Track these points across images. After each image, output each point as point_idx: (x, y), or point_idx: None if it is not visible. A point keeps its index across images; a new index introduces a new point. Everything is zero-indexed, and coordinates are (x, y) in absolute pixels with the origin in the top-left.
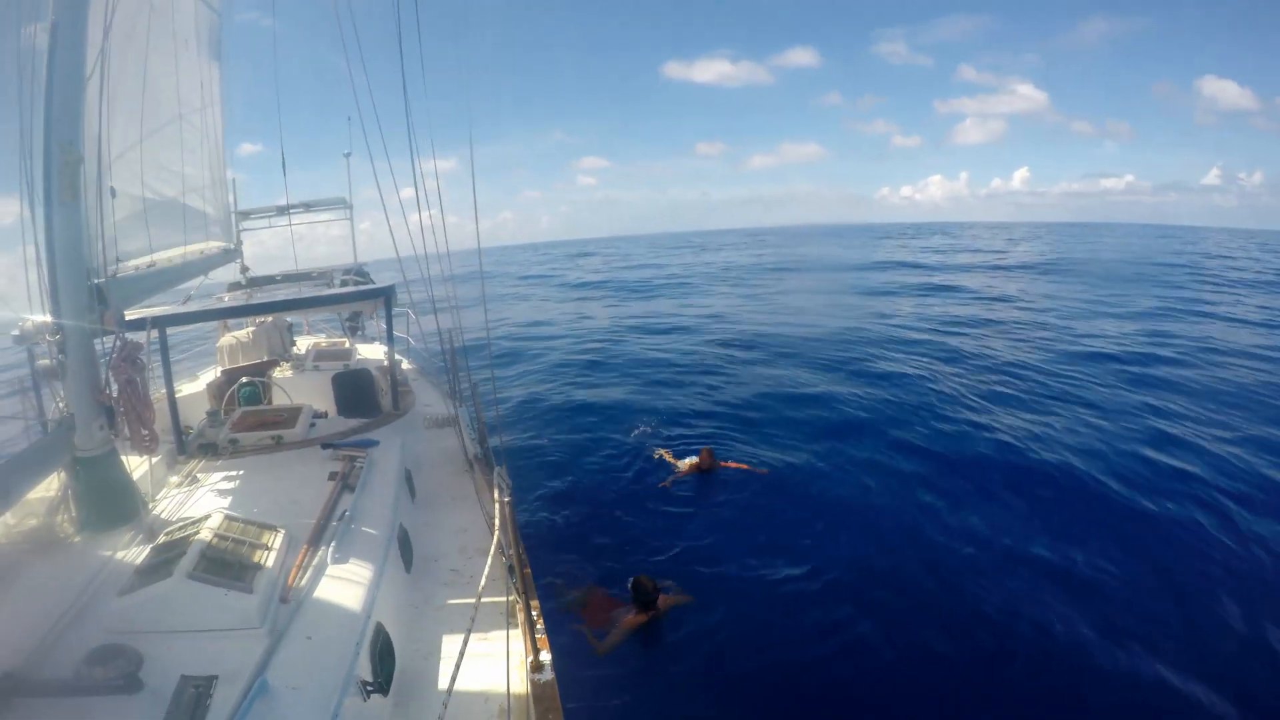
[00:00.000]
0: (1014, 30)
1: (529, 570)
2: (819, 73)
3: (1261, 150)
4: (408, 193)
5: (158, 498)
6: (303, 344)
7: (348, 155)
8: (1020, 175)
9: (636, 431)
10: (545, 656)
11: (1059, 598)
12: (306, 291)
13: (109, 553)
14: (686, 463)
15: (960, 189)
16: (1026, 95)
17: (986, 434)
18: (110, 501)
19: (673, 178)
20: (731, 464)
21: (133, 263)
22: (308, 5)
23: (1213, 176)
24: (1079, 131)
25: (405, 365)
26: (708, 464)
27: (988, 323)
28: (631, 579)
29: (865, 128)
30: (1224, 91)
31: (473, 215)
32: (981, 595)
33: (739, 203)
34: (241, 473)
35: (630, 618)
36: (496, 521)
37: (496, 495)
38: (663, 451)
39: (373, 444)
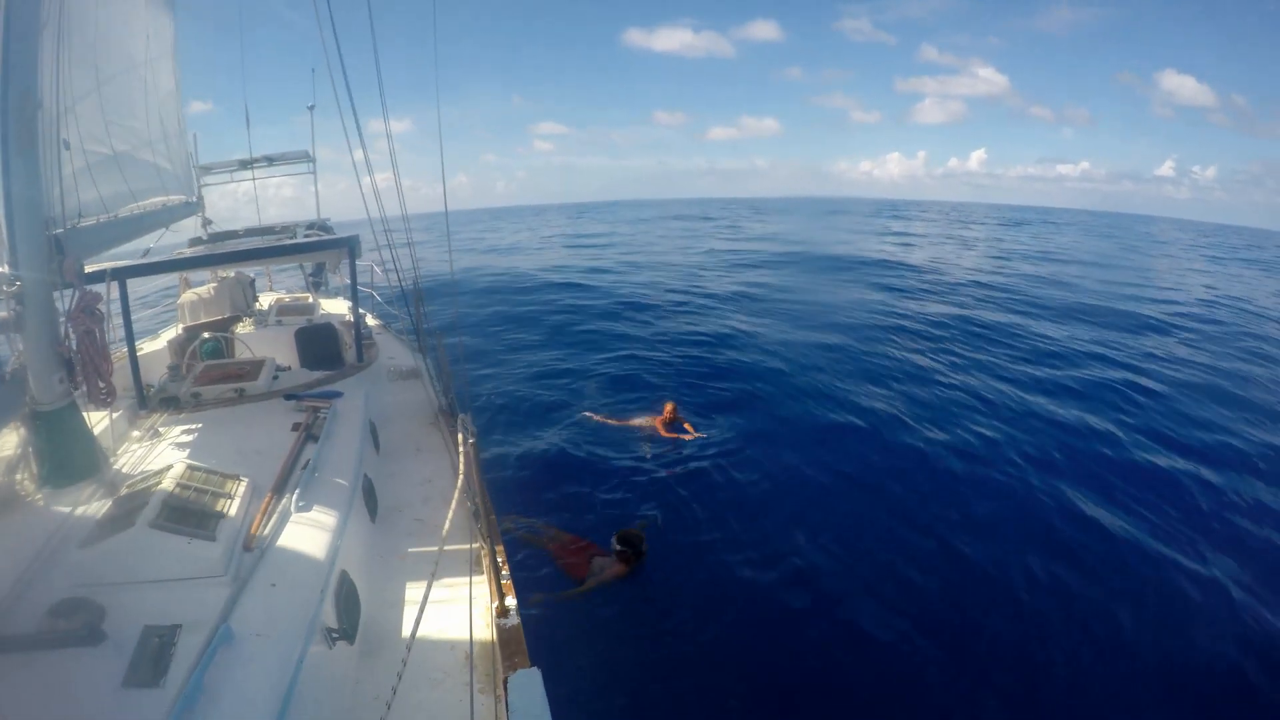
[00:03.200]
0: (979, 12)
1: (494, 517)
2: (781, 46)
3: (1216, 146)
4: (362, 153)
5: (119, 452)
6: (265, 300)
7: (311, 108)
8: (977, 156)
9: (594, 389)
10: (511, 601)
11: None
12: (268, 242)
13: (70, 508)
14: (648, 419)
15: (917, 168)
16: (987, 78)
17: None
18: (71, 456)
19: (631, 146)
20: (688, 426)
21: (93, 217)
22: None
23: (1167, 168)
24: (1038, 116)
25: (370, 319)
26: (671, 418)
27: None
28: (617, 533)
29: (824, 102)
30: (1183, 86)
31: (429, 179)
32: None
33: (697, 173)
34: (203, 426)
35: (616, 568)
36: (461, 467)
37: (460, 440)
38: (605, 417)
39: (336, 395)
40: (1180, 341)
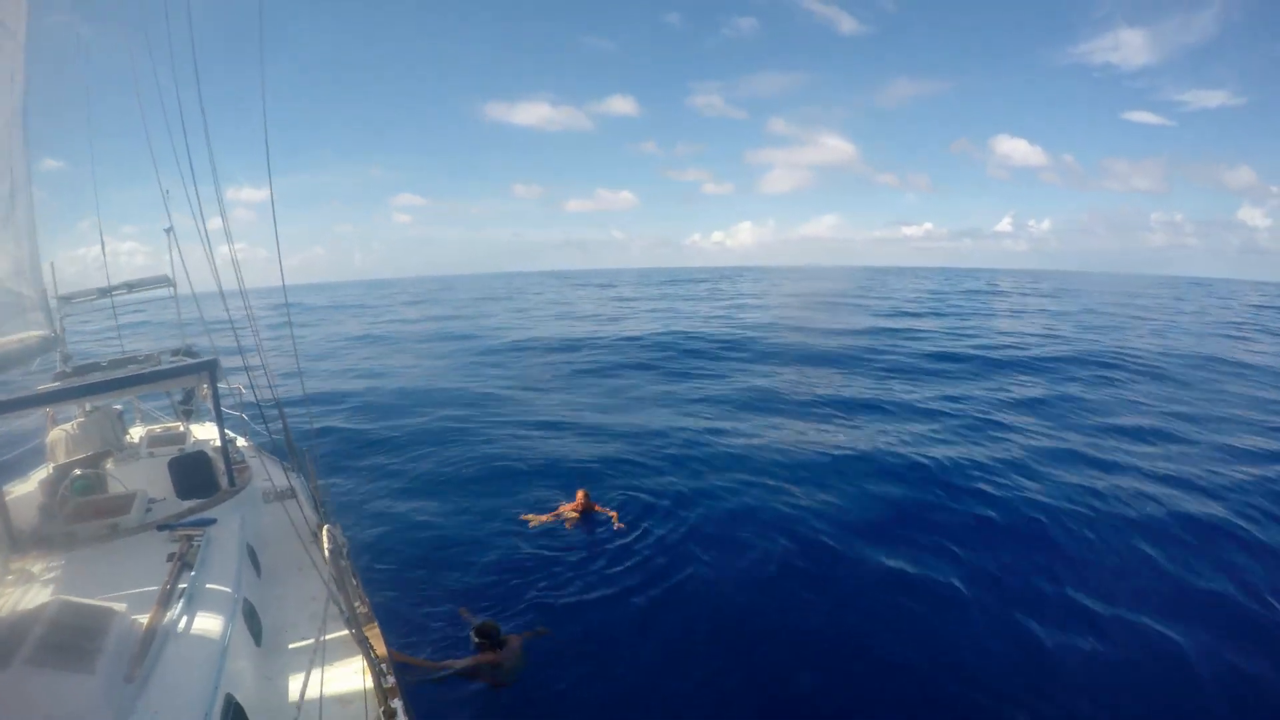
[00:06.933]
0: (825, 85)
1: (374, 620)
2: (637, 121)
3: (1049, 200)
4: (215, 223)
5: None
6: (136, 433)
7: (169, 230)
8: (828, 222)
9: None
10: (395, 703)
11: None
12: (129, 372)
13: None
14: (564, 507)
15: (769, 235)
16: (835, 147)
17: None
18: None
19: (489, 218)
20: (606, 510)
21: None
22: (120, 11)
23: (1005, 224)
24: (884, 183)
25: (241, 442)
26: (584, 506)
27: None
28: (475, 625)
29: (678, 175)
30: (1016, 149)
31: (286, 249)
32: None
33: (554, 245)
34: (78, 563)
35: (481, 657)
36: (325, 574)
37: (326, 548)
38: (530, 517)
39: (210, 522)
40: None
